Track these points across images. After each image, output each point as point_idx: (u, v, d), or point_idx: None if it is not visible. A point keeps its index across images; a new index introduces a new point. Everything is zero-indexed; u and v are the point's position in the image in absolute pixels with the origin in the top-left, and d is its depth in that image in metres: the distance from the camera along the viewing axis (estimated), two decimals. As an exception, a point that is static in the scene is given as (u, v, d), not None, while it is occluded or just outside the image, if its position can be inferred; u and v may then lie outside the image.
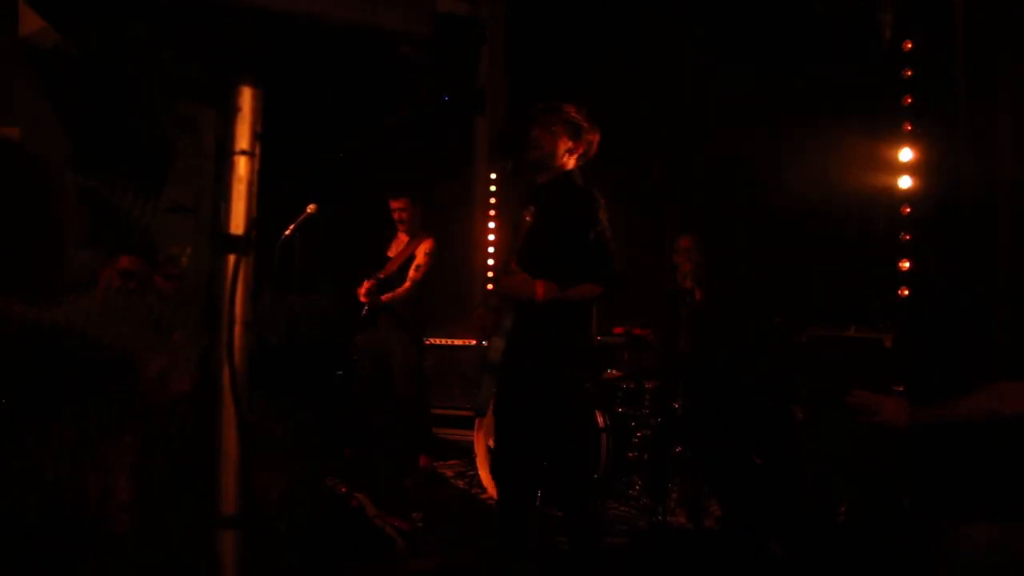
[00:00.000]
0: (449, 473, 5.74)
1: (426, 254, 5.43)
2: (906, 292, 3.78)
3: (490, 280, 7.10)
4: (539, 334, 3.02)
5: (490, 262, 7.21)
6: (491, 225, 7.23)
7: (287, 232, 4.88)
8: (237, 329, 1.38)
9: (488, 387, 3.08)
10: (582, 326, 3.09)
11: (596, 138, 3.21)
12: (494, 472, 3.71)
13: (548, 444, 3.10)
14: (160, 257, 3.34)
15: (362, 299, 5.42)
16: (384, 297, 5.36)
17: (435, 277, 5.54)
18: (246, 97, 1.35)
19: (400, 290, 5.41)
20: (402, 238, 5.62)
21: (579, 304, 3.03)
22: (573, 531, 3.12)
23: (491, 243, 7.23)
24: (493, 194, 7.28)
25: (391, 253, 5.59)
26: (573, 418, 3.07)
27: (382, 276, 5.44)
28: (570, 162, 3.18)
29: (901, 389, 3.47)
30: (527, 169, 3.21)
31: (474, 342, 6.40)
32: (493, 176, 7.26)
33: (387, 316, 5.43)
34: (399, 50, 1.19)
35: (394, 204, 5.54)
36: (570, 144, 3.14)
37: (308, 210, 4.94)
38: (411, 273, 5.42)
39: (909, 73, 3.77)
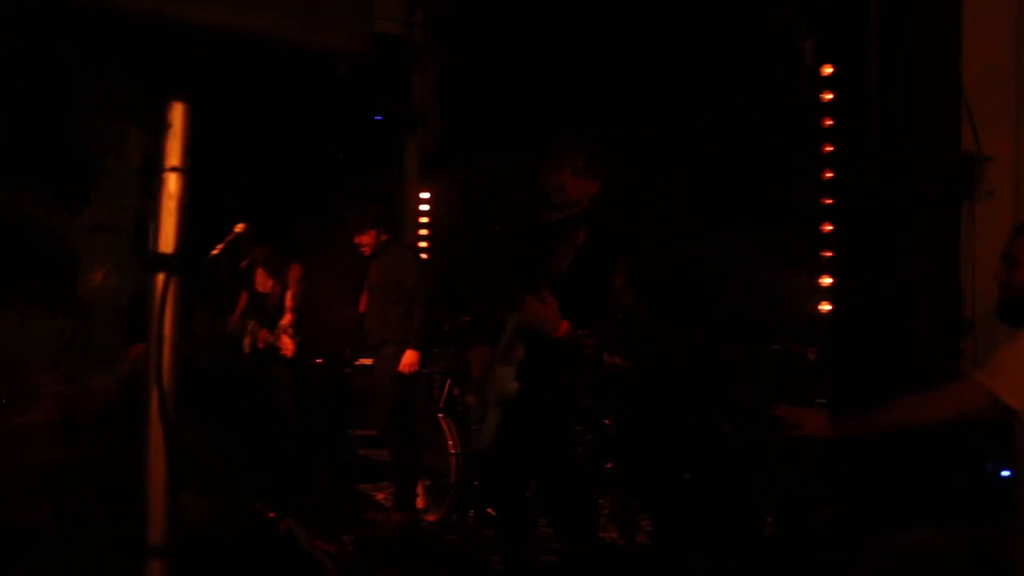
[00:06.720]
0: (380, 495, 5.67)
1: (297, 281, 5.52)
2: (828, 307, 3.91)
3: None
4: (552, 366, 3.09)
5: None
6: (422, 244, 7.20)
7: (214, 251, 4.76)
8: (166, 350, 1.35)
9: (493, 420, 3.11)
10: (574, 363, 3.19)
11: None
12: (494, 491, 3.75)
13: (552, 469, 3.25)
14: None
15: (260, 344, 5.49)
16: (289, 345, 5.39)
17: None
18: (177, 113, 1.32)
19: (288, 325, 5.43)
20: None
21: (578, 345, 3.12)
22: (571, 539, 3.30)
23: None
24: (424, 213, 7.27)
25: (260, 287, 5.64)
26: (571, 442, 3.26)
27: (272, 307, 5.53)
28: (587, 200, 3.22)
29: (824, 402, 3.57)
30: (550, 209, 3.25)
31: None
32: (425, 196, 7.25)
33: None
34: (337, 69, 1.18)
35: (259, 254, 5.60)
36: (595, 185, 3.19)
37: (236, 229, 4.84)
38: (288, 303, 5.47)
39: (829, 96, 3.92)
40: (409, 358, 4.77)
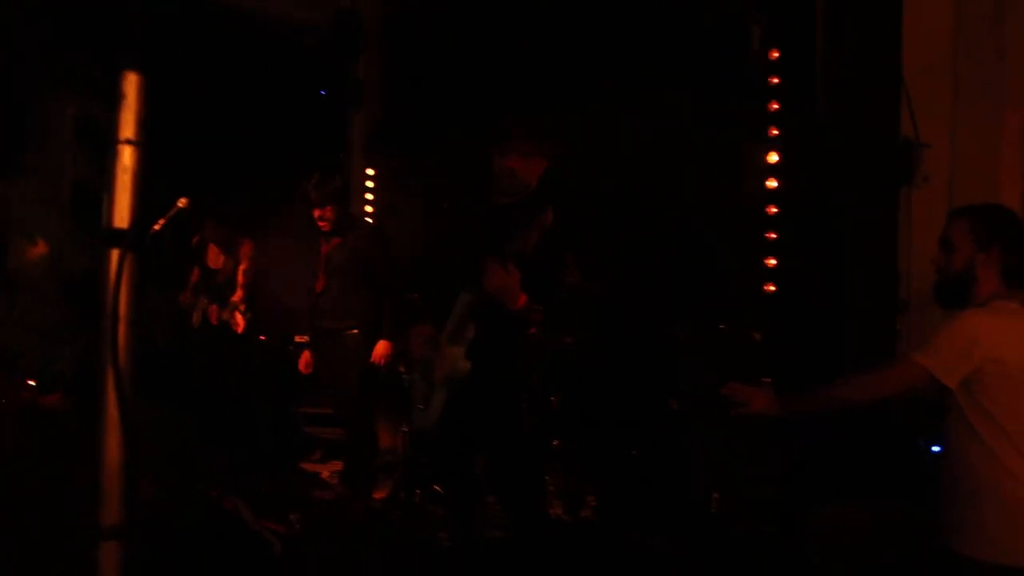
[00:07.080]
0: (325, 473, 5.64)
1: (249, 257, 5.50)
2: (772, 288, 4.00)
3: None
4: (504, 346, 3.13)
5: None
6: (368, 220, 7.13)
7: (156, 227, 4.64)
8: (121, 328, 1.32)
9: (440, 399, 3.10)
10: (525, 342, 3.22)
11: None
12: (442, 468, 3.76)
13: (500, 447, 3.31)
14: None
15: (214, 320, 5.49)
16: (240, 322, 5.40)
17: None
18: (131, 84, 1.28)
19: (239, 301, 5.43)
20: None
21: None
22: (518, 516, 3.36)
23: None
24: (370, 190, 7.20)
25: (212, 264, 5.64)
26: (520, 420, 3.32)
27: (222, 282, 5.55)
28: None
29: (769, 380, 3.66)
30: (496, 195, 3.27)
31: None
32: (370, 172, 7.17)
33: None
34: (303, 41, 1.16)
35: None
36: (542, 165, 3.21)
37: (179, 204, 4.70)
38: (239, 279, 5.46)
39: (776, 80, 3.99)
40: (383, 349, 4.63)
